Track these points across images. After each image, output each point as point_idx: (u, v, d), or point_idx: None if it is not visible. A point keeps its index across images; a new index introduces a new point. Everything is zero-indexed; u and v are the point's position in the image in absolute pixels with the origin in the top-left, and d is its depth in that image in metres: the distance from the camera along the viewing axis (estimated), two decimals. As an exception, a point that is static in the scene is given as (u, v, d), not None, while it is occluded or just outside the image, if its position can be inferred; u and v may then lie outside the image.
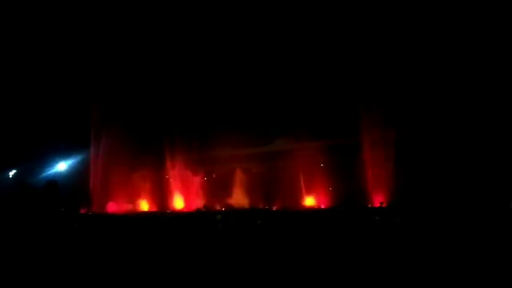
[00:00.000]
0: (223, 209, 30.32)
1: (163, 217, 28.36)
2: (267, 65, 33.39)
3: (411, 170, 27.56)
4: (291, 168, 30.78)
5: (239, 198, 31.03)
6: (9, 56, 35.31)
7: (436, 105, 29.89)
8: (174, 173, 33.24)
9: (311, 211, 28.38)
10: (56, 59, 35.71)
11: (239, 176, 32.12)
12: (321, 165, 30.14)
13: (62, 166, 35.87)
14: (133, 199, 33.04)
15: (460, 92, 29.68)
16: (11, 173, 36.05)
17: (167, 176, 33.70)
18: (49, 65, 35.82)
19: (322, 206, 29.83)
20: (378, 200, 28.25)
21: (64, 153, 35.70)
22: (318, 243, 15.02)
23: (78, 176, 34.40)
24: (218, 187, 32.55)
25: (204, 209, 29.81)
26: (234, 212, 26.61)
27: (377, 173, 28.72)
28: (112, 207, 32.00)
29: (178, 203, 32.74)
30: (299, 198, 30.18)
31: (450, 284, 9.54)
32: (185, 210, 31.44)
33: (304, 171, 30.44)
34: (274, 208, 29.82)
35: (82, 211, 31.45)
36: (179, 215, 29.44)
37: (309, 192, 30.39)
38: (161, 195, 32.76)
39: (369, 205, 28.32)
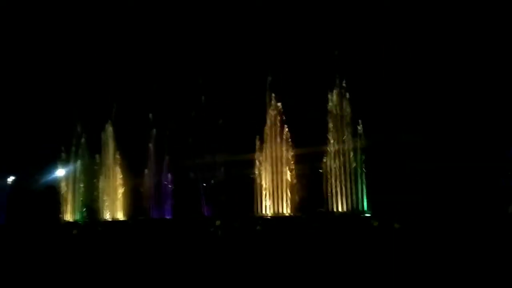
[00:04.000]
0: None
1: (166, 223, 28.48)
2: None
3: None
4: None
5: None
6: (8, 61, 35.45)
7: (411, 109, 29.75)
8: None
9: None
10: (56, 63, 35.89)
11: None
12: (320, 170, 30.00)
13: (61, 172, 35.79)
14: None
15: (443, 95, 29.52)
16: (10, 179, 36.01)
17: (165, 182, 33.72)
18: (49, 70, 35.98)
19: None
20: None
21: (63, 159, 35.70)
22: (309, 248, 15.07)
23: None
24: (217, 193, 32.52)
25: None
26: (234, 218, 26.56)
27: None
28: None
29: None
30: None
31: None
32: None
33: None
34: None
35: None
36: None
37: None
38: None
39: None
